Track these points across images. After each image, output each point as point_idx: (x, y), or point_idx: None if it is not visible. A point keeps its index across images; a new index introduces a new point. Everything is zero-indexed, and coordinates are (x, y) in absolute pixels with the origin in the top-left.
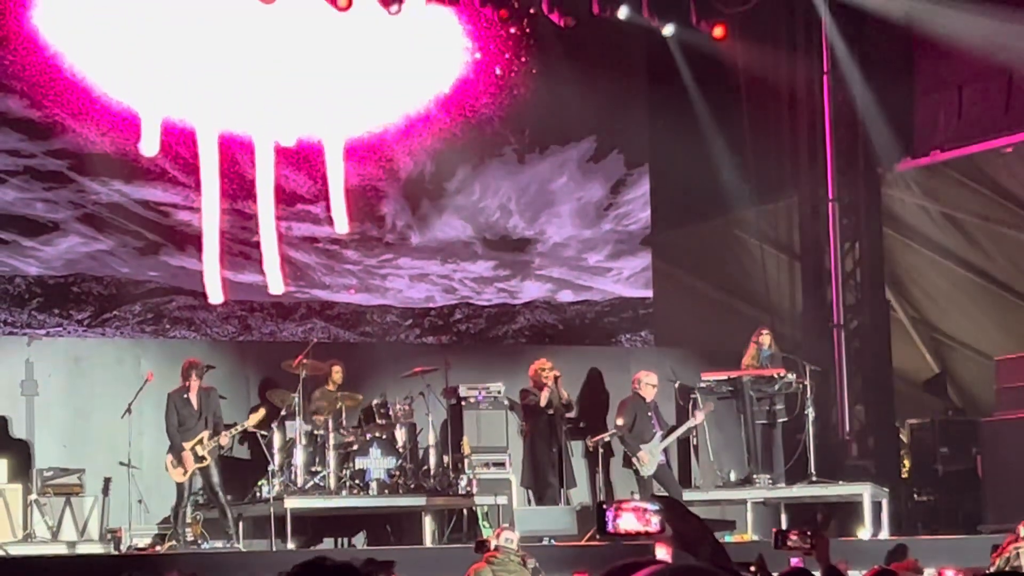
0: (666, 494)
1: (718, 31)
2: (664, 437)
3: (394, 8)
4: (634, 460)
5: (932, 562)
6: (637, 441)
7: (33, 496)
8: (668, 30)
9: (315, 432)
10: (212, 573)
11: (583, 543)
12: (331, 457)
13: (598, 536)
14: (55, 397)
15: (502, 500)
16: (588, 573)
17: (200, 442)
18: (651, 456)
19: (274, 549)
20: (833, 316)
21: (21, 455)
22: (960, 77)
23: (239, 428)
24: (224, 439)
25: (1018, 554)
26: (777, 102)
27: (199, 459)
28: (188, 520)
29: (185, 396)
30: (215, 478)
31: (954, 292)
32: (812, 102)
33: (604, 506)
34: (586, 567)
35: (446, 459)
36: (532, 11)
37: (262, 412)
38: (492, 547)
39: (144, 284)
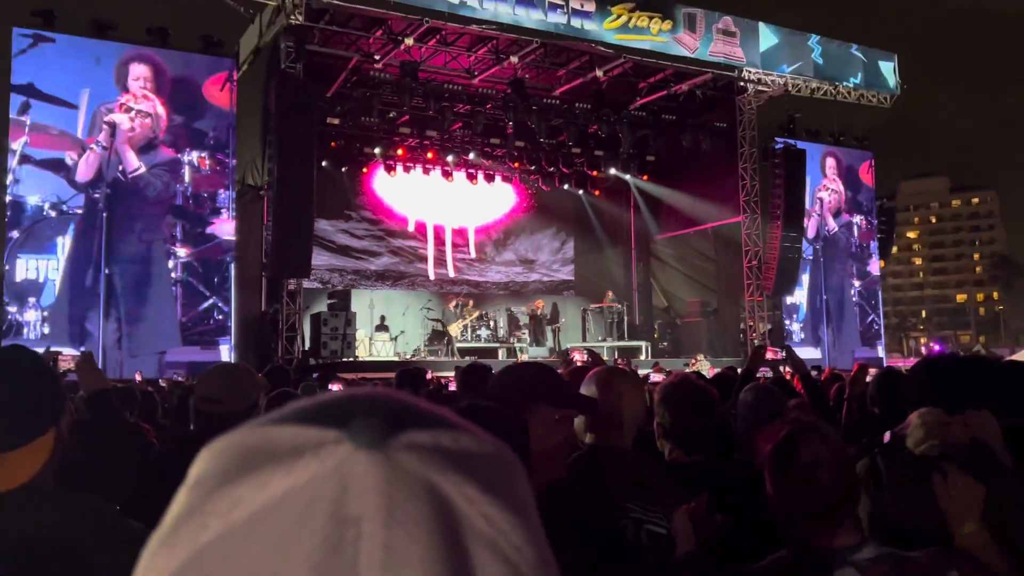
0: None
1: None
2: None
3: (491, 182)
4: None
5: (668, 367)
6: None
7: (372, 339)
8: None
9: (464, 324)
10: (431, 367)
11: (550, 359)
12: (469, 331)
13: (562, 362)
14: (379, 310)
15: (524, 345)
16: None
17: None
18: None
19: (454, 359)
20: (633, 285)
21: (372, 327)
22: (680, 203)
23: (448, 326)
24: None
25: (697, 367)
26: (614, 219)
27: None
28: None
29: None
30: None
31: (679, 278)
32: (627, 215)
33: (567, 350)
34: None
35: (505, 333)
36: (535, 187)
37: (459, 323)
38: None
39: (409, 274)
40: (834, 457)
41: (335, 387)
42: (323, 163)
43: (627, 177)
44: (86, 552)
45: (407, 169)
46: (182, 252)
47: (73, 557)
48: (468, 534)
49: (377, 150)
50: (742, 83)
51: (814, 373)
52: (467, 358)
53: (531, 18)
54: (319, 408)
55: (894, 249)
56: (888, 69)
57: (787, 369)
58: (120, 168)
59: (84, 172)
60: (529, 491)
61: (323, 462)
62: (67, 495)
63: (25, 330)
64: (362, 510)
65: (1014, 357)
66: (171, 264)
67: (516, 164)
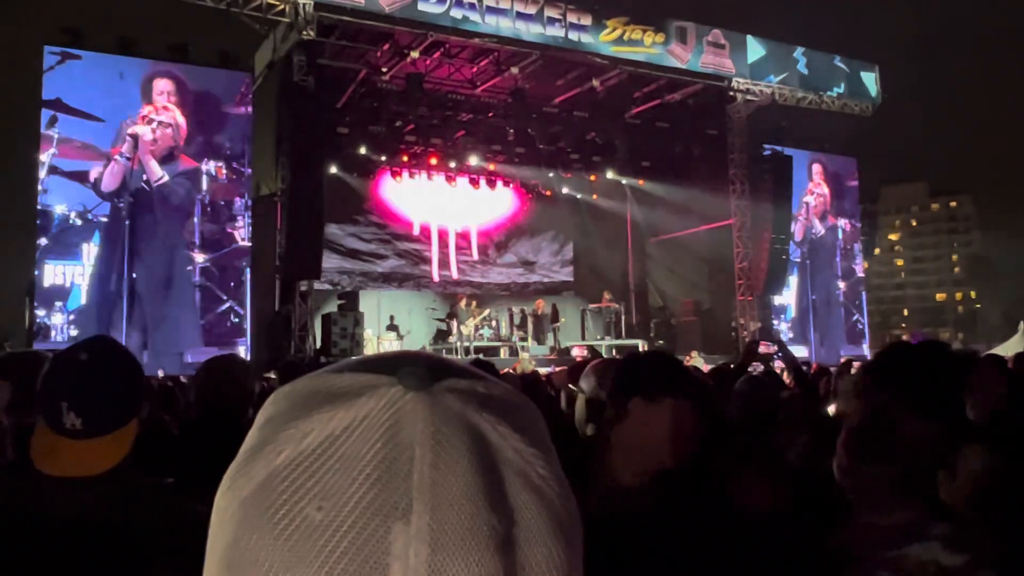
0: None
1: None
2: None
3: (493, 187)
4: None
5: None
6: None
7: (380, 338)
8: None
9: (470, 322)
10: None
11: (551, 357)
12: (473, 330)
13: (561, 358)
14: (386, 310)
15: (525, 344)
16: (561, 367)
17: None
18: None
19: (457, 357)
20: (630, 286)
21: (380, 327)
22: (674, 207)
23: (461, 325)
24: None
25: (692, 364)
26: (611, 222)
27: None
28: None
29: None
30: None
31: (674, 279)
32: (624, 219)
33: (568, 348)
34: (555, 365)
35: (507, 331)
36: (535, 191)
37: (471, 322)
38: (524, 358)
39: (414, 275)
40: (923, 434)
41: None
42: (333, 170)
43: (623, 181)
44: (161, 536)
45: (412, 175)
46: (201, 257)
47: (149, 541)
48: (502, 462)
49: (384, 157)
50: (731, 92)
51: (803, 368)
52: (470, 356)
53: (531, 31)
54: (369, 361)
55: (876, 251)
56: (870, 79)
57: (778, 364)
58: (144, 178)
59: (109, 182)
60: (548, 437)
61: (378, 400)
62: (147, 482)
63: (53, 333)
64: (413, 437)
65: (995, 351)
66: (191, 269)
67: (517, 169)
